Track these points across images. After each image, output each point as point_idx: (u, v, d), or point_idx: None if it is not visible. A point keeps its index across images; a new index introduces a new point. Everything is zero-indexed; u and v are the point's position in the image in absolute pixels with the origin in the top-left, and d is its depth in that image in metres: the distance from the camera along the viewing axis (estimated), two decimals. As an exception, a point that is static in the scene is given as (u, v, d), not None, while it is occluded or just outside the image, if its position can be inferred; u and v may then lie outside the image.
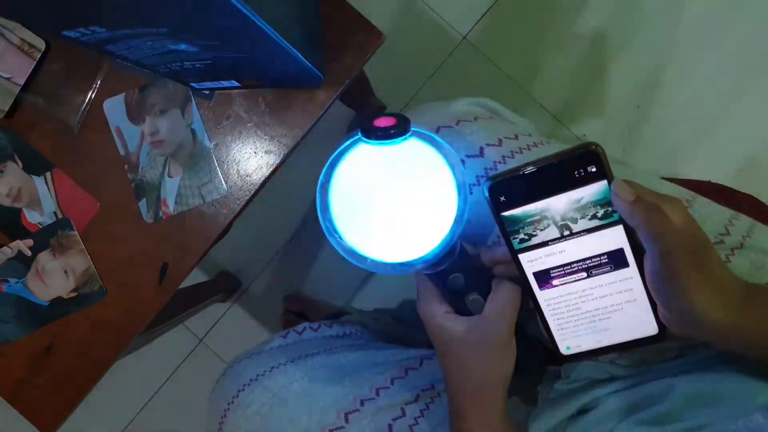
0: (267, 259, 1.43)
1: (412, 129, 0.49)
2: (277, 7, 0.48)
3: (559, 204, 0.49)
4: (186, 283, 0.72)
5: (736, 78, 1.32)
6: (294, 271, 1.43)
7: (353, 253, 0.51)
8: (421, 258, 0.51)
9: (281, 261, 1.43)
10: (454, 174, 0.51)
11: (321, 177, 0.51)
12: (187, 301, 1.19)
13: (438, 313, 0.58)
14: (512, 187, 0.49)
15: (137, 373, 1.42)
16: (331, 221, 0.51)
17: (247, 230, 1.40)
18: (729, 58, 1.32)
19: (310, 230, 1.40)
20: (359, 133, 0.49)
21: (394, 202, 0.50)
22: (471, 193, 0.62)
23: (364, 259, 0.51)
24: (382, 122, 0.48)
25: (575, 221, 0.49)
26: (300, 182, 1.25)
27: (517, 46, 1.37)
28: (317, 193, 0.51)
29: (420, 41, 1.39)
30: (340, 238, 0.51)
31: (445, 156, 0.51)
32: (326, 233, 0.51)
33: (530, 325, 0.65)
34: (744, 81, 1.32)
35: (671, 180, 0.86)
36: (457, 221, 0.51)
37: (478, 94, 1.35)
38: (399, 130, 0.47)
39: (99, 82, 0.69)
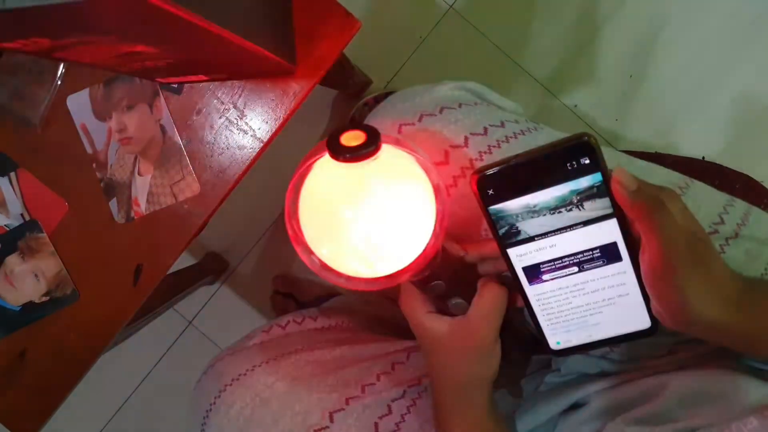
0: (254, 239, 1.41)
1: (382, 138, 0.46)
2: (231, 3, 0.44)
3: (550, 197, 0.47)
4: (172, 267, 0.70)
5: (730, 46, 1.29)
6: (282, 251, 1.41)
7: (325, 268, 0.49)
8: (398, 273, 0.49)
9: (269, 240, 1.41)
10: (428, 178, 0.48)
11: (288, 189, 0.48)
12: (174, 286, 1.17)
13: (420, 313, 0.57)
14: (501, 180, 0.47)
15: (127, 357, 1.41)
16: (301, 237, 0.48)
17: (234, 210, 1.37)
18: (722, 25, 1.28)
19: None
20: (327, 150, 0.45)
21: (367, 212, 0.47)
22: (455, 185, 0.60)
23: (337, 276, 0.49)
24: (350, 138, 0.44)
25: (567, 214, 0.47)
26: (286, 157, 1.22)
27: (506, 15, 1.32)
28: (286, 210, 0.48)
29: (406, 11, 1.34)
30: (311, 253, 0.49)
31: (418, 160, 0.48)
32: (296, 247, 0.49)
33: (517, 316, 0.63)
34: (738, 49, 1.29)
35: (664, 156, 0.84)
36: (434, 232, 0.48)
37: (466, 65, 1.32)
38: (368, 148, 0.43)
39: (61, 76, 0.65)
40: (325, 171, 0.47)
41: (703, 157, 0.89)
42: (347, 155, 0.43)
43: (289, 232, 0.48)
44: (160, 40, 0.42)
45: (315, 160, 0.46)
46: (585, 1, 1.30)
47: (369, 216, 0.47)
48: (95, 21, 0.35)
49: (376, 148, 0.44)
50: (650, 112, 1.31)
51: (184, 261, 1.34)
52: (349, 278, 0.49)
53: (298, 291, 1.35)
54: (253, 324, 1.42)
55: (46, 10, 0.31)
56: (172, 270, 0.69)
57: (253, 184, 1.27)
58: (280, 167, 1.27)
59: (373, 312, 1.09)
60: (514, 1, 1.32)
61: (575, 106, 1.33)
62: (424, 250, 0.48)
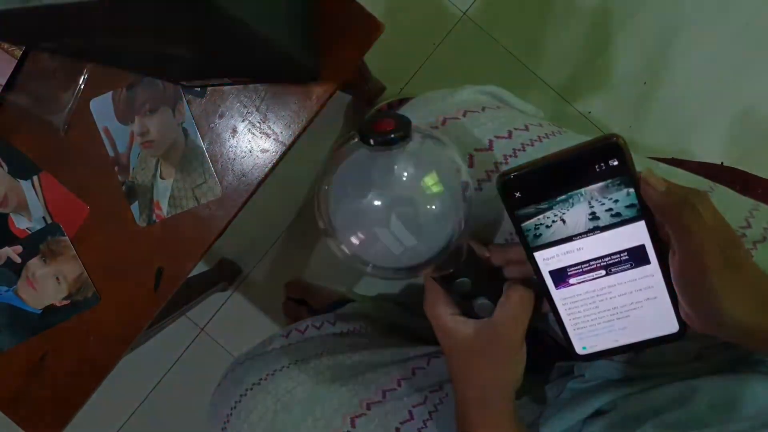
0: (267, 245, 1.41)
1: (413, 130, 0.46)
2: (263, 3, 0.44)
3: (577, 199, 0.46)
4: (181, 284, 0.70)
5: (745, 53, 1.28)
6: (295, 257, 1.41)
7: (353, 258, 0.49)
8: (423, 263, 0.49)
9: (282, 247, 1.41)
10: (458, 173, 0.48)
11: (319, 180, 0.48)
12: (187, 293, 1.17)
13: (445, 315, 0.56)
14: (528, 183, 0.47)
15: (138, 364, 1.40)
16: (330, 225, 0.49)
17: (247, 216, 1.37)
18: (736, 32, 1.28)
19: (311, 215, 1.37)
20: (357, 136, 0.46)
21: (395, 204, 0.47)
22: (481, 189, 0.59)
23: (365, 263, 0.49)
24: (382, 126, 0.45)
25: (594, 217, 0.47)
26: (299, 166, 1.22)
27: (519, 22, 1.32)
28: (315, 198, 0.48)
29: (419, 18, 1.34)
30: (340, 243, 0.49)
31: (448, 155, 0.48)
32: (326, 237, 0.49)
33: (540, 321, 0.63)
34: (752, 55, 1.28)
35: (682, 161, 0.83)
36: (461, 224, 0.48)
37: (480, 72, 1.32)
38: (399, 134, 0.44)
39: (84, 80, 0.65)
40: (356, 161, 0.47)
41: (722, 163, 0.88)
42: (378, 140, 0.43)
43: (318, 218, 0.48)
44: (191, 38, 0.42)
45: (346, 148, 0.47)
46: (599, 7, 1.30)
47: (396, 206, 0.47)
48: (130, 19, 0.35)
49: (406, 135, 0.44)
50: (665, 119, 1.30)
51: (197, 267, 1.33)
52: (375, 267, 0.49)
53: (311, 297, 1.34)
54: (265, 331, 1.42)
55: (85, 6, 0.31)
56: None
57: (266, 190, 1.27)
58: (292, 174, 1.28)
59: (386, 319, 1.09)
60: (527, 7, 1.32)
61: (589, 112, 1.32)
62: (450, 243, 0.48)
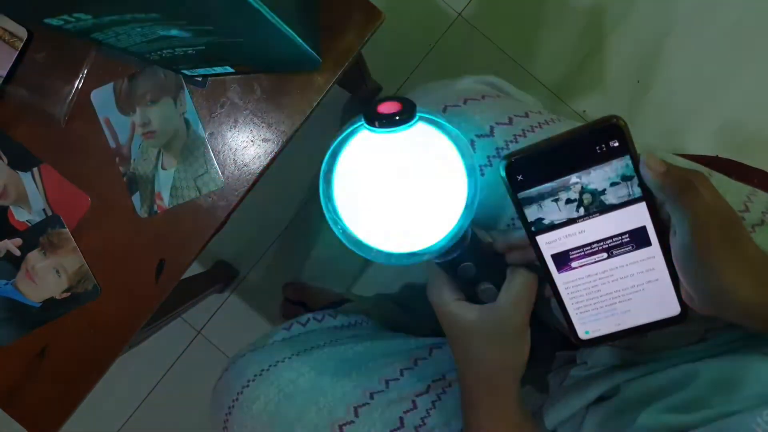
0: (264, 246, 1.41)
1: (418, 113, 0.46)
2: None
3: (578, 181, 0.47)
4: (182, 276, 0.70)
5: (736, 49, 1.30)
6: (292, 258, 1.40)
7: (359, 243, 0.49)
8: (429, 248, 0.49)
9: (279, 248, 1.41)
10: (464, 158, 0.48)
11: (323, 165, 0.48)
12: (184, 294, 1.17)
13: (449, 301, 0.56)
14: (530, 166, 0.47)
15: (134, 367, 1.40)
16: (335, 211, 0.49)
17: (244, 217, 1.37)
18: (728, 29, 1.30)
19: (308, 215, 1.37)
20: (362, 120, 0.46)
21: (400, 189, 0.48)
22: (483, 174, 0.60)
23: (369, 249, 0.49)
24: (387, 108, 0.45)
25: (596, 199, 0.47)
26: (296, 166, 1.22)
27: (514, 22, 1.34)
28: (320, 183, 0.48)
29: (415, 19, 1.35)
30: (345, 229, 0.49)
31: (454, 140, 0.49)
32: (330, 224, 0.49)
33: (542, 309, 0.63)
34: (743, 52, 1.30)
35: (678, 155, 0.84)
36: (467, 208, 0.48)
37: (475, 72, 1.33)
38: (404, 116, 0.45)
39: (86, 71, 0.65)
40: (360, 145, 0.47)
41: (717, 155, 0.89)
42: (383, 122, 0.43)
43: (323, 203, 0.48)
44: (204, 21, 0.42)
45: (350, 132, 0.47)
46: (593, 7, 1.31)
47: (401, 191, 0.47)
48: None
49: (411, 117, 0.44)
50: (659, 117, 1.32)
51: (193, 269, 1.33)
52: (379, 251, 0.49)
53: (309, 299, 1.34)
54: (262, 334, 1.41)
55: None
56: (183, 276, 0.69)
57: (263, 190, 1.27)
58: (289, 176, 1.28)
59: (385, 315, 1.09)
60: (522, 8, 1.33)
61: (584, 111, 1.33)
62: (454, 228, 0.48)
